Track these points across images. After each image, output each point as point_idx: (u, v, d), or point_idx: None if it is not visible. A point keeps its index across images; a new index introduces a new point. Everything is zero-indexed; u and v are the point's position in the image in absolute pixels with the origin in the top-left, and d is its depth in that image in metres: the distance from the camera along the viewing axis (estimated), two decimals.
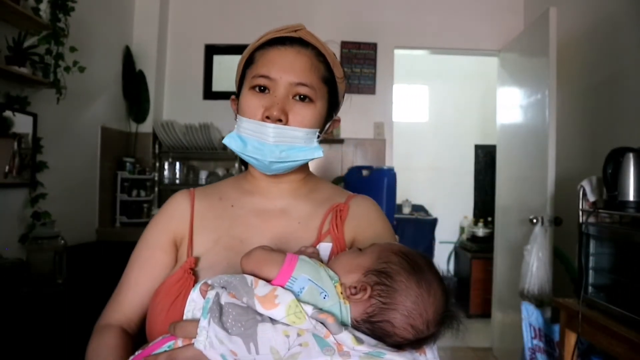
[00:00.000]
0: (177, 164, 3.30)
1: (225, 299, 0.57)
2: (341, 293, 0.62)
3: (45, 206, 2.28)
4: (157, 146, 3.28)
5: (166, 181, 3.29)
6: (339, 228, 0.78)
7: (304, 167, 0.84)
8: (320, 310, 0.58)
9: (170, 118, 3.34)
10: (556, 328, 2.07)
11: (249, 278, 0.61)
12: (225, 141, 0.77)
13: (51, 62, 2.24)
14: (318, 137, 0.78)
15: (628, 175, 1.64)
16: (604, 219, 1.81)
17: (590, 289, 1.72)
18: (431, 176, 4.92)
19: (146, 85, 3.25)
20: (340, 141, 3.42)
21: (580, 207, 1.88)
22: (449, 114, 5.00)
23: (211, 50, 3.51)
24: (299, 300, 0.58)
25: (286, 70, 0.74)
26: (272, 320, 0.56)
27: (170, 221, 0.82)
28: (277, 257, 0.63)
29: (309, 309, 0.57)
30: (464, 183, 4.94)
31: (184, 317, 0.61)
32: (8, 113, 2.06)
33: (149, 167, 3.23)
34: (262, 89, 0.75)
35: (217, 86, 3.51)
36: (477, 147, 4.94)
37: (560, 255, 2.52)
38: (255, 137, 0.74)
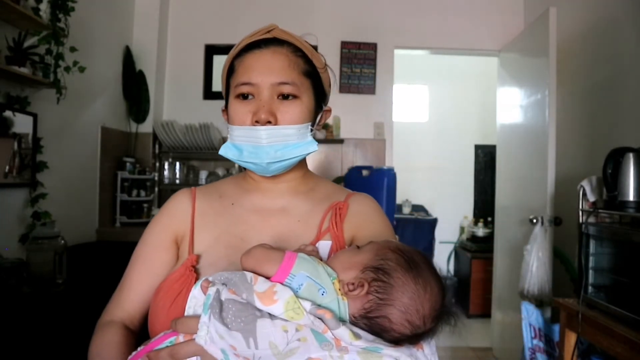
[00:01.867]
0: (177, 164, 3.30)
1: (225, 295, 0.58)
2: (339, 289, 0.63)
3: (45, 206, 2.28)
4: (157, 146, 3.28)
5: (166, 181, 3.29)
6: (338, 226, 0.79)
7: (302, 165, 0.85)
8: (319, 306, 0.59)
9: (170, 118, 3.34)
10: (556, 328, 2.07)
11: (249, 275, 0.62)
12: (221, 152, 0.79)
13: (51, 62, 2.24)
14: (311, 130, 0.78)
15: (628, 175, 1.64)
16: (604, 219, 1.81)
17: (590, 289, 1.72)
18: (431, 176, 4.92)
19: (146, 85, 3.25)
20: (340, 141, 3.42)
21: (580, 207, 1.88)
22: (449, 114, 5.00)
23: (211, 50, 3.51)
24: (297, 296, 0.59)
25: (265, 72, 0.75)
26: (271, 316, 0.57)
27: (171, 220, 0.83)
28: (276, 254, 0.64)
29: (307, 305, 0.58)
30: (464, 183, 4.95)
31: (186, 313, 0.62)
32: (8, 113, 2.06)
33: (149, 167, 3.23)
34: (246, 96, 0.76)
35: (217, 86, 3.51)
36: (477, 147, 4.94)
37: (560, 255, 2.52)
38: (248, 142, 0.75)
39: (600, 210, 1.77)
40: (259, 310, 0.58)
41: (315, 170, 3.45)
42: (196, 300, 0.62)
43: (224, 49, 3.50)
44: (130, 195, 3.08)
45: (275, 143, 0.74)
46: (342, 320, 0.60)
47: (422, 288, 0.62)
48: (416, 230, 4.33)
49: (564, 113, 2.69)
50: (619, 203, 1.66)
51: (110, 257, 2.79)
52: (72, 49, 2.38)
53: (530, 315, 2.18)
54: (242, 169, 0.93)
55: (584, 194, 1.89)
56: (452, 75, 4.93)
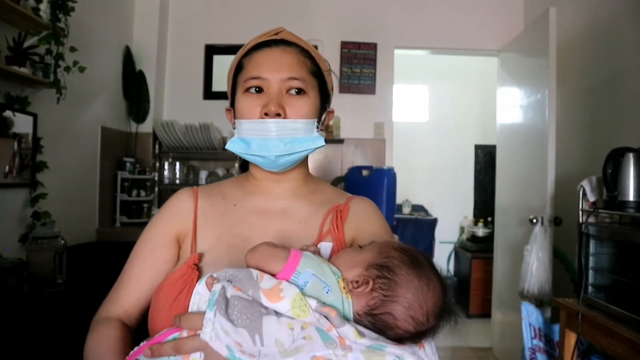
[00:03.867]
0: (177, 164, 3.30)
1: (231, 291, 0.58)
2: (344, 288, 0.63)
3: (45, 206, 2.28)
4: (157, 146, 3.28)
5: (166, 181, 3.29)
6: (339, 228, 0.80)
7: (303, 166, 0.87)
8: (324, 304, 0.59)
9: (170, 118, 3.34)
10: (556, 328, 2.07)
11: (254, 272, 0.62)
12: (228, 146, 0.79)
13: (51, 62, 2.24)
14: (317, 127, 0.80)
15: (628, 175, 1.64)
16: (604, 219, 1.81)
17: (590, 289, 1.72)
18: (431, 176, 4.92)
19: (146, 85, 3.25)
20: (340, 141, 3.42)
21: (580, 207, 1.88)
22: (449, 114, 5.00)
23: (211, 50, 3.51)
24: (303, 294, 0.59)
25: (276, 68, 0.77)
26: (277, 313, 0.57)
27: (173, 218, 0.84)
28: (282, 252, 0.64)
29: (313, 303, 0.58)
30: (464, 183, 4.95)
31: (190, 310, 0.63)
32: (8, 113, 2.06)
33: (149, 167, 3.23)
34: (257, 90, 0.78)
35: (217, 86, 3.51)
36: (477, 147, 4.94)
37: (560, 255, 2.52)
38: (257, 135, 0.76)
39: (600, 210, 1.77)
40: (265, 307, 0.58)
41: (316, 170, 3.46)
42: (200, 296, 0.62)
43: (224, 49, 3.50)
44: (130, 195, 3.08)
45: (284, 136, 0.75)
46: (346, 319, 0.60)
47: (426, 285, 0.63)
48: (416, 230, 4.33)
49: (564, 113, 2.69)
50: (619, 203, 1.66)
51: (110, 257, 2.79)
52: (72, 49, 2.38)
53: (530, 315, 2.18)
54: (243, 170, 0.94)
55: (584, 194, 1.89)
56: (452, 75, 4.93)
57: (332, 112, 0.89)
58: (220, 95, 3.49)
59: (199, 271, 0.74)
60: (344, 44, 3.45)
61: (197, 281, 0.67)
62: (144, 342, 0.65)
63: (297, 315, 0.57)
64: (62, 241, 2.07)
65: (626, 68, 2.26)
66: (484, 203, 4.76)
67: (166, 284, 0.74)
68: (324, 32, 3.44)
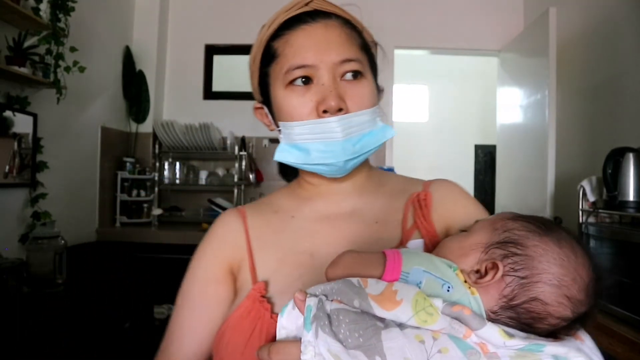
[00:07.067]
0: (177, 164, 3.30)
1: (330, 305, 0.45)
2: (465, 281, 0.48)
3: (45, 206, 2.28)
4: (157, 146, 3.27)
5: (166, 181, 3.29)
6: (427, 220, 0.65)
7: (366, 160, 0.69)
8: (452, 302, 0.45)
9: (170, 118, 3.34)
10: None
11: (354, 279, 0.48)
12: (278, 157, 0.64)
13: (51, 62, 2.24)
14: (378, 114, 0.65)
15: (628, 175, 1.64)
16: (603, 219, 1.82)
17: None
18: (431, 176, 4.87)
19: (146, 85, 3.25)
20: None
21: (580, 207, 1.88)
22: (449, 114, 5.01)
23: (211, 50, 3.51)
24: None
25: (324, 50, 0.60)
26: (399, 325, 0.44)
27: (222, 247, 0.69)
28: (373, 255, 0.51)
29: (438, 303, 0.44)
30: (464, 183, 4.88)
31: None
32: (8, 113, 2.06)
33: (149, 167, 3.23)
34: (306, 81, 0.61)
35: (217, 86, 3.51)
36: (477, 147, 4.95)
37: None
38: (318, 139, 0.60)
39: (600, 210, 1.77)
40: (380, 319, 0.44)
41: None
42: (287, 331, 0.50)
43: (224, 49, 3.50)
44: (130, 195, 3.08)
45: (352, 135, 0.60)
46: None
47: (571, 251, 0.49)
48: None
49: (564, 113, 2.69)
50: (619, 203, 1.66)
51: (110, 257, 2.80)
52: (72, 49, 2.38)
53: None
54: (283, 175, 0.79)
55: (584, 194, 1.89)
56: (452, 75, 4.93)
57: (382, 90, 0.70)
58: (220, 95, 3.49)
59: (269, 303, 0.59)
60: None
61: (271, 315, 0.56)
62: None
63: (423, 322, 0.43)
64: (62, 241, 2.07)
65: (626, 68, 2.26)
66: (484, 203, 4.70)
67: (230, 326, 0.60)
68: None
